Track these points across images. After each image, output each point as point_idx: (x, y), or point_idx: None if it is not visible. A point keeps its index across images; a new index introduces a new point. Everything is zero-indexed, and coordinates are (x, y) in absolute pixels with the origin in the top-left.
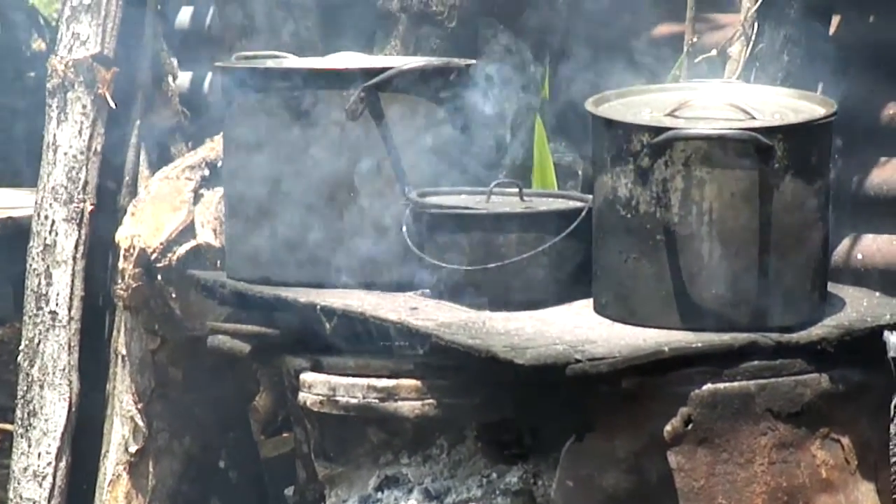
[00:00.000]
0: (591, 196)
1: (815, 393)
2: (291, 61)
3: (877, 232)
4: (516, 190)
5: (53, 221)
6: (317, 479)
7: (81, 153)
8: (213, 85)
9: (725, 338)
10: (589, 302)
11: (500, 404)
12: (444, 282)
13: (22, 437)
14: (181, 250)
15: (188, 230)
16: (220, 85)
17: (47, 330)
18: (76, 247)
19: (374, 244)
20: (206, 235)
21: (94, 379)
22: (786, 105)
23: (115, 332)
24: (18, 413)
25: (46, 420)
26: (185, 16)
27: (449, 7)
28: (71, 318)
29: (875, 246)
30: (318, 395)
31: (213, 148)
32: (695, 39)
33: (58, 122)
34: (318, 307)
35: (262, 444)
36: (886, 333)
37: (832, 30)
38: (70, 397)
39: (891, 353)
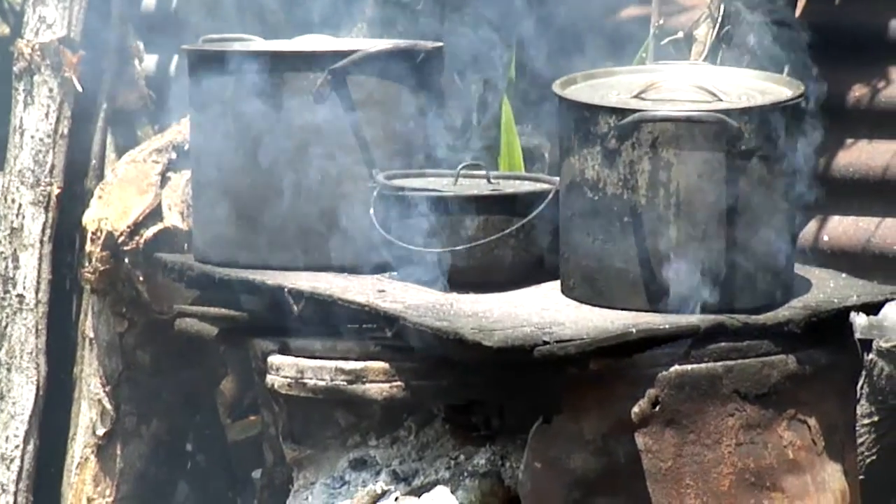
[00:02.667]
0: (558, 178)
1: (781, 374)
2: (258, 44)
3: (843, 214)
4: (483, 172)
5: (20, 205)
6: (284, 461)
7: (48, 136)
8: (179, 68)
9: (692, 319)
10: (556, 284)
11: (467, 386)
12: (411, 264)
13: None
14: (148, 233)
15: (155, 213)
16: (186, 68)
17: (14, 313)
18: (43, 230)
19: (341, 226)
20: (173, 218)
21: (61, 362)
22: (752, 87)
23: (82, 316)
24: None
25: (14, 403)
26: None
27: None
28: (38, 302)
29: (841, 228)
30: (286, 377)
31: (179, 131)
32: (661, 21)
33: (24, 105)
34: (286, 290)
35: (230, 427)
36: (853, 315)
37: (798, 12)
38: (38, 380)
39: (857, 335)
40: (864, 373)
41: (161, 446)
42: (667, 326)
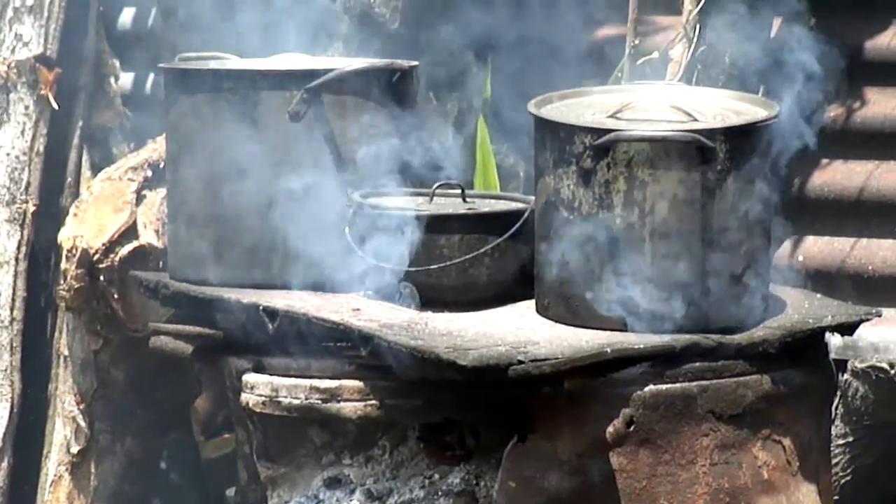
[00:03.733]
0: (533, 197)
1: (756, 394)
2: (234, 62)
3: (818, 234)
4: (459, 191)
5: None
6: (258, 479)
7: (24, 154)
8: (155, 86)
9: (667, 339)
10: (531, 303)
11: (442, 405)
12: (386, 283)
13: None
14: (123, 251)
15: (130, 231)
16: (162, 86)
17: None
18: (19, 247)
19: (317, 245)
20: (148, 236)
21: (36, 379)
22: (728, 107)
23: (57, 333)
24: None
25: None
26: (127, 17)
27: (391, 9)
28: (13, 319)
29: (816, 248)
30: (261, 395)
31: (155, 149)
32: (637, 41)
33: (0, 123)
34: (261, 308)
35: (204, 445)
36: (828, 335)
37: (773, 32)
38: (12, 398)
39: (832, 355)
40: (838, 393)
41: (135, 464)
42: (642, 346)
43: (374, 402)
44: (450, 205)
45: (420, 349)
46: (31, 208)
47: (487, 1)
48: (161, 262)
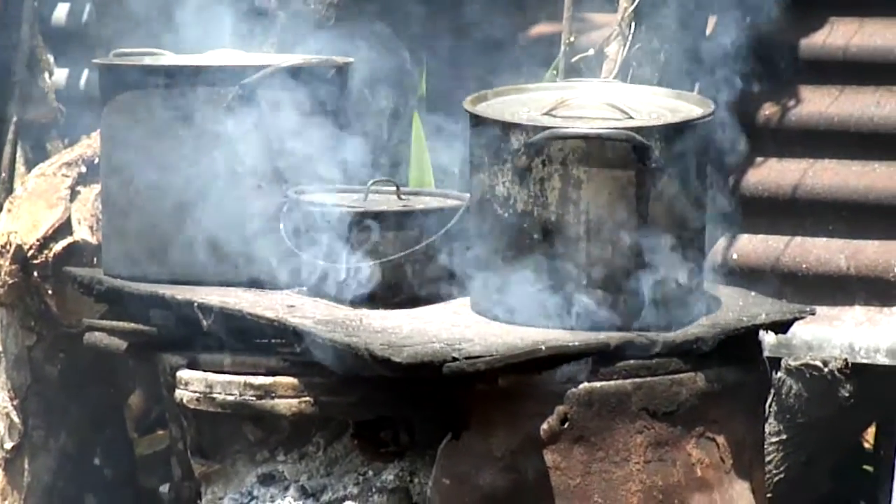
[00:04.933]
0: (468, 195)
1: (690, 392)
2: (169, 58)
3: (753, 232)
4: (393, 188)
5: None
6: (192, 476)
7: None
8: (89, 82)
9: (602, 336)
10: (466, 300)
11: (376, 402)
12: (321, 279)
13: None
14: (58, 247)
15: (65, 227)
16: (97, 82)
17: None
18: None
19: (251, 242)
20: (82, 232)
21: None
22: (663, 105)
23: None
24: None
25: None
26: (61, 12)
27: (327, 5)
28: None
29: (751, 246)
30: (195, 392)
31: (89, 145)
32: (572, 39)
33: None
34: (196, 304)
35: (137, 442)
36: (762, 333)
37: (709, 30)
38: None
39: (766, 353)
40: (772, 391)
41: (69, 460)
42: (576, 343)
43: (308, 398)
44: (384, 201)
45: (354, 346)
46: None
47: None
48: (95, 259)
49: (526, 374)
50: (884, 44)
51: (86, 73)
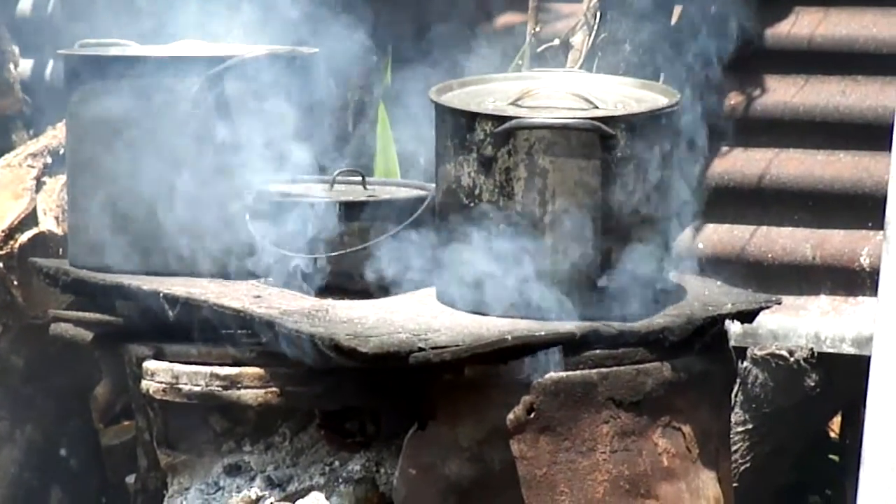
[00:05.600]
0: (434, 185)
1: (656, 381)
2: (134, 49)
3: (719, 222)
4: (359, 178)
5: None
6: (159, 467)
7: None
8: (55, 72)
9: (568, 326)
10: (433, 290)
11: (343, 392)
12: (287, 270)
13: None
14: (23, 238)
15: (30, 218)
16: (62, 72)
17: None
18: None
19: (218, 232)
20: (48, 223)
21: None
22: (628, 94)
23: None
24: None
25: None
26: (26, 3)
27: None
28: None
29: (717, 235)
30: (161, 382)
31: (55, 136)
32: (538, 29)
33: None
34: (162, 295)
35: (103, 433)
36: (728, 323)
37: (674, 20)
38: None
39: (732, 343)
40: (738, 381)
41: (35, 451)
42: (543, 333)
43: (274, 389)
44: (350, 192)
45: (320, 336)
46: None
47: None
48: (61, 249)
49: (492, 365)
50: (849, 33)
51: (51, 63)
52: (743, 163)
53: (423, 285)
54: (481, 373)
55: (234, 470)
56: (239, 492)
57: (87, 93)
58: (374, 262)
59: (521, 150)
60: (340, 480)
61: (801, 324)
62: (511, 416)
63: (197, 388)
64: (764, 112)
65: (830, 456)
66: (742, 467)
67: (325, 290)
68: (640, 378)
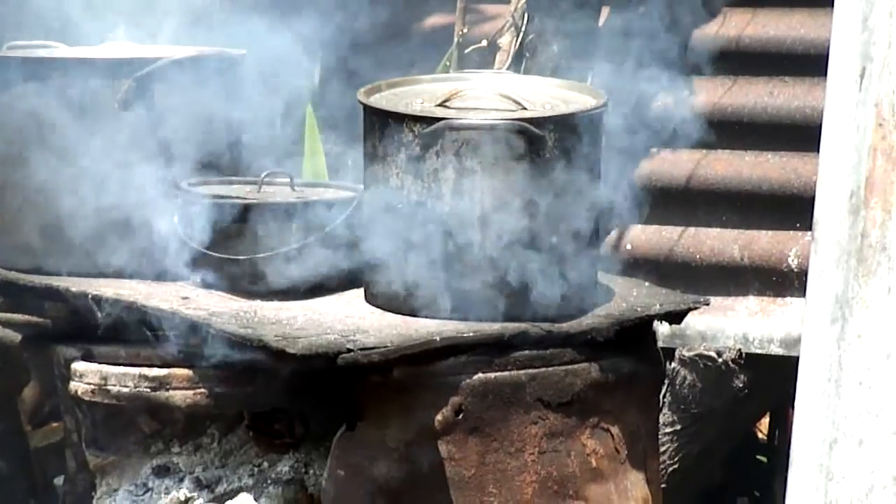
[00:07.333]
0: (362, 186)
1: (585, 382)
2: (62, 51)
3: (646, 223)
4: (287, 179)
5: None
6: (87, 468)
7: None
8: None
9: (496, 327)
10: (361, 292)
11: (271, 393)
12: (215, 271)
13: None
14: None
15: None
16: None
17: None
18: None
19: (146, 233)
20: None
21: None
22: (556, 96)
23: None
24: None
25: None
26: None
27: None
28: None
29: (644, 236)
30: (90, 384)
31: None
32: (465, 30)
33: None
34: (90, 296)
35: (32, 434)
36: (656, 323)
37: (602, 21)
38: None
39: (660, 343)
40: (666, 382)
41: None
42: (471, 334)
43: (202, 390)
44: (278, 193)
45: (249, 337)
46: None
47: None
48: None
49: (420, 366)
50: (777, 34)
51: None
52: (670, 164)
53: (352, 286)
54: (409, 374)
55: (162, 471)
56: (168, 493)
57: (15, 95)
58: (302, 263)
59: (448, 151)
60: (269, 481)
61: (729, 325)
62: (439, 416)
63: (125, 390)
64: (692, 113)
65: (758, 457)
66: (670, 468)
67: (254, 292)
68: (568, 379)
